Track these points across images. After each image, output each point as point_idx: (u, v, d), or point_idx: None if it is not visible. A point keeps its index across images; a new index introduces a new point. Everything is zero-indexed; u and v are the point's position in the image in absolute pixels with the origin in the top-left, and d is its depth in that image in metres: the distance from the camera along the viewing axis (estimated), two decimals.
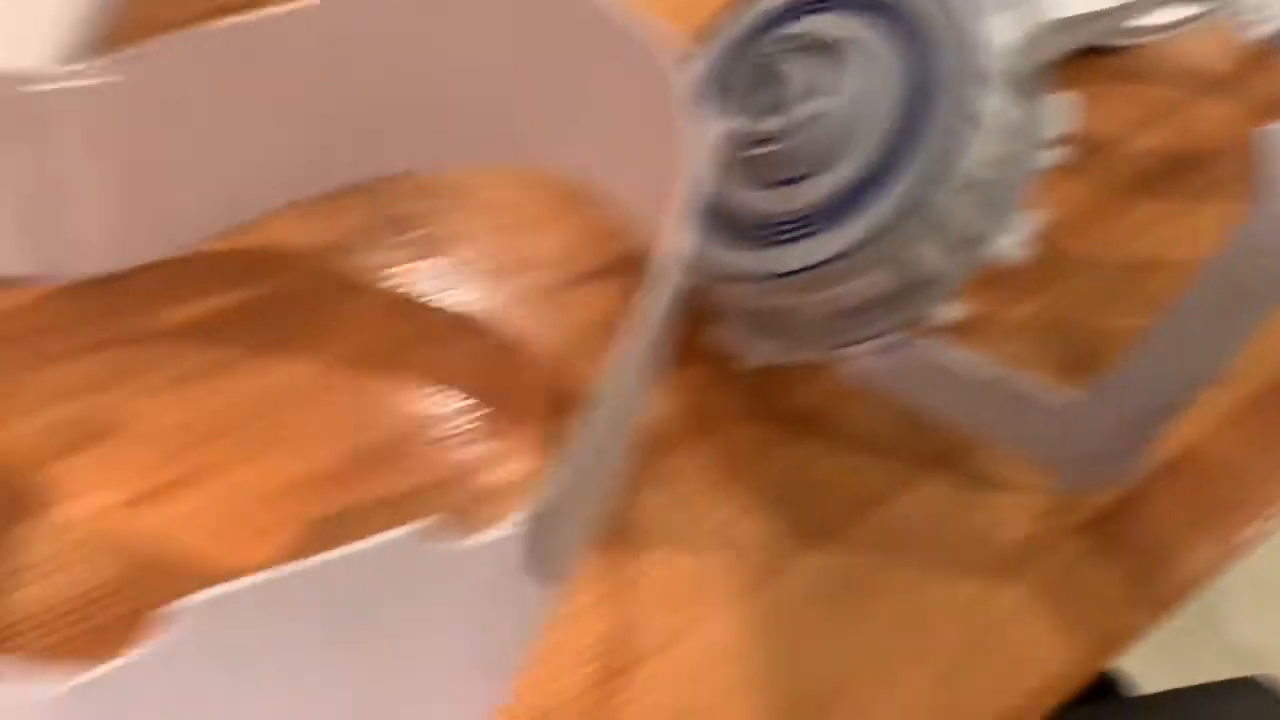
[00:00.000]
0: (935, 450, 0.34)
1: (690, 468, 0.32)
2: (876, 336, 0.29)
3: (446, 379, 0.33)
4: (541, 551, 0.20)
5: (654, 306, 0.22)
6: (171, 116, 0.31)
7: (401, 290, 0.35)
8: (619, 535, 0.31)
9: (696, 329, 0.35)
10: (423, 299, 0.35)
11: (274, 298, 0.34)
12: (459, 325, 0.35)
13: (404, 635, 0.19)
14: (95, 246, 0.32)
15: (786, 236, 0.29)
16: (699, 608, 0.30)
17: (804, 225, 0.29)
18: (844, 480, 0.33)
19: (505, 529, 0.19)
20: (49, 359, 0.32)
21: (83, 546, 0.28)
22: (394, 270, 0.36)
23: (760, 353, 0.32)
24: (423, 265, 0.36)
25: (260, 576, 0.16)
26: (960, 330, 0.29)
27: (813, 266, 0.28)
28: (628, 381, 0.23)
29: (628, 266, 0.28)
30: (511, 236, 0.37)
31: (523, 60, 0.31)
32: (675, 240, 0.23)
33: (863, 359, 0.30)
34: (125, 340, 0.33)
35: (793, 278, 0.29)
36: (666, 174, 0.25)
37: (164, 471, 0.30)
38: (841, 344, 0.30)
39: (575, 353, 0.34)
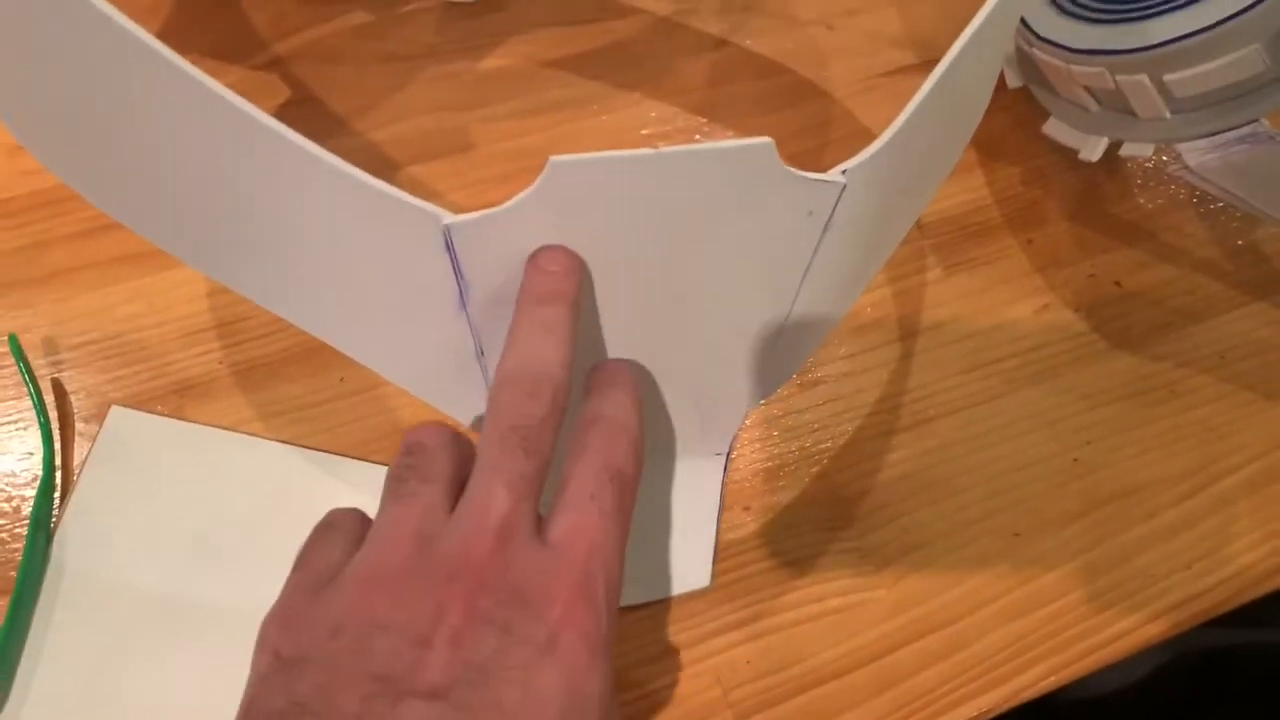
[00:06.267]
0: (1270, 273, 0.32)
1: (1001, 257, 0.32)
2: (1232, 127, 0.27)
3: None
4: (850, 210, 0.20)
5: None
6: None
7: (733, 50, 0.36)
8: (913, 300, 0.31)
9: (1030, 122, 0.34)
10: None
11: (624, 46, 0.36)
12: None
13: (722, 246, 0.20)
14: None
15: (1154, 9, 0.28)
16: (980, 384, 0.29)
17: None
18: (1166, 291, 0.31)
19: (832, 176, 0.19)
20: (415, 78, 0.35)
21: None
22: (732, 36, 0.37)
23: (1098, 145, 0.30)
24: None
25: (629, 152, 0.17)
26: None
27: (1179, 39, 0.27)
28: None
29: None
30: None
31: None
32: None
33: (1210, 154, 0.28)
34: (481, 67, 0.36)
35: (1156, 51, 0.27)
36: None
37: (504, 186, 0.32)
38: (1192, 134, 0.28)
39: None
